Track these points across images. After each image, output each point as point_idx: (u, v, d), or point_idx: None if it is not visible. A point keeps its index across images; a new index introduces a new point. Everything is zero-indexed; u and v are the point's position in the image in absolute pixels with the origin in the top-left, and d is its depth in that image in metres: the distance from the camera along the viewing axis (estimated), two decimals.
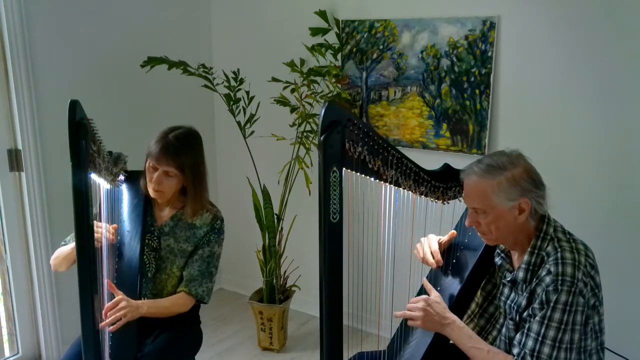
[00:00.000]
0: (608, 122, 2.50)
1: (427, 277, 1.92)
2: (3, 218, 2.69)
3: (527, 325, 1.54)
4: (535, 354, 1.50)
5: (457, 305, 1.78)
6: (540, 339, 1.50)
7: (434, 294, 1.68)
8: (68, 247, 1.99)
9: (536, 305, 1.52)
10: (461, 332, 1.62)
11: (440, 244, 1.89)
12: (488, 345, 1.63)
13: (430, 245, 1.87)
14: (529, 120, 2.67)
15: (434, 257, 1.85)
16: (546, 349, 1.49)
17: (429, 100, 2.90)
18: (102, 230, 1.90)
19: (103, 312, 1.79)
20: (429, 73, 2.87)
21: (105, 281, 1.86)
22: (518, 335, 1.56)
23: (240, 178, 3.23)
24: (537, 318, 1.51)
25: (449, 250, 1.93)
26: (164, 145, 1.95)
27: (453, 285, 1.83)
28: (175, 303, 2.02)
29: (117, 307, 1.81)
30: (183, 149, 1.97)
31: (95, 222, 1.82)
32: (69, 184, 1.58)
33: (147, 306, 1.91)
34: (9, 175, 2.68)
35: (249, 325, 3.33)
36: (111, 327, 1.80)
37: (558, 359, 1.49)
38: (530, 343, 1.51)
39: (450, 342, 1.80)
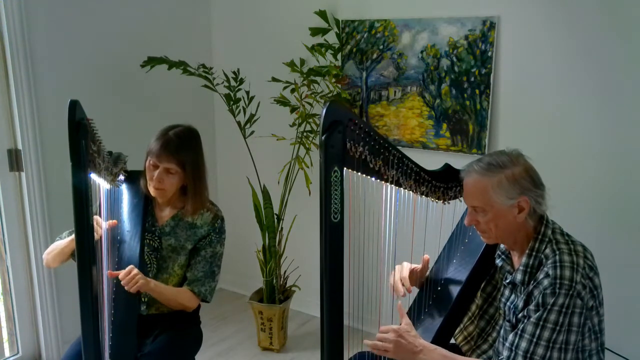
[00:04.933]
0: (608, 122, 2.50)
1: (427, 277, 1.93)
2: (3, 218, 2.69)
3: (520, 327, 1.53)
4: (529, 355, 1.49)
5: (457, 308, 1.78)
6: (534, 340, 1.49)
7: (405, 321, 1.66)
8: (63, 242, 1.99)
9: (532, 307, 1.51)
10: (434, 355, 1.60)
11: (414, 271, 1.89)
12: (464, 358, 1.63)
13: (401, 272, 1.87)
14: (529, 120, 2.67)
15: (403, 285, 1.85)
16: (540, 350, 1.48)
17: (429, 100, 2.90)
18: (102, 225, 1.91)
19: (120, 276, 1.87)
20: (429, 73, 2.87)
21: (105, 280, 1.86)
22: (510, 337, 1.55)
23: (240, 178, 3.23)
24: (532, 319, 1.50)
25: (448, 251, 1.94)
26: (164, 142, 1.95)
27: (453, 287, 1.83)
28: (181, 295, 2.03)
29: (131, 274, 1.86)
30: (183, 145, 1.98)
31: (95, 217, 1.82)
32: (69, 184, 1.58)
33: (154, 283, 1.95)
34: (9, 175, 2.68)
35: (249, 325, 3.33)
36: (126, 286, 1.86)
37: (551, 358, 1.49)
38: (523, 344, 1.50)
39: (451, 342, 1.80)
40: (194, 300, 2.05)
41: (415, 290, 1.95)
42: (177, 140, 1.97)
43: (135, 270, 1.88)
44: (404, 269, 1.89)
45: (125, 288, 1.86)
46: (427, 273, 1.95)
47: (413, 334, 1.63)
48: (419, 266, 1.91)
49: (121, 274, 1.87)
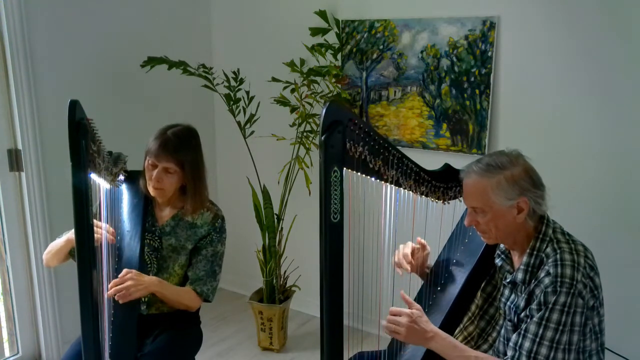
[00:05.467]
0: (608, 121, 2.50)
1: (427, 277, 1.92)
2: (3, 218, 2.69)
3: (523, 326, 1.53)
4: (532, 354, 1.49)
5: (457, 307, 1.78)
6: (537, 339, 1.49)
7: (416, 307, 1.66)
8: (60, 240, 1.99)
9: (534, 306, 1.52)
10: (445, 343, 1.60)
11: (415, 251, 1.90)
12: (475, 352, 1.63)
13: (403, 250, 1.88)
14: (529, 120, 2.67)
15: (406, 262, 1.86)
16: (543, 350, 1.49)
17: (429, 100, 2.90)
18: (102, 230, 1.90)
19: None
20: (429, 73, 2.87)
21: (105, 280, 1.86)
22: (514, 337, 1.55)
23: (240, 178, 3.23)
24: (535, 319, 1.50)
25: (448, 251, 1.94)
26: (162, 141, 1.95)
27: (452, 287, 1.82)
28: (185, 295, 2.03)
29: (123, 279, 1.84)
30: (182, 145, 1.98)
31: (95, 221, 1.82)
32: (69, 184, 1.57)
33: (158, 286, 1.93)
34: (9, 175, 2.68)
35: (249, 325, 3.33)
36: (117, 296, 1.83)
37: (555, 359, 1.49)
38: (527, 344, 1.51)
39: None
40: (196, 301, 2.05)
41: (415, 289, 1.95)
42: (175, 139, 1.97)
43: (129, 275, 1.85)
44: (407, 247, 1.90)
45: (116, 297, 1.84)
46: (429, 262, 1.95)
47: (425, 319, 1.63)
48: (418, 247, 1.92)
49: (113, 282, 1.85)
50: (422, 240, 1.92)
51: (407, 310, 1.64)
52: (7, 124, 2.64)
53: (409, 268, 1.85)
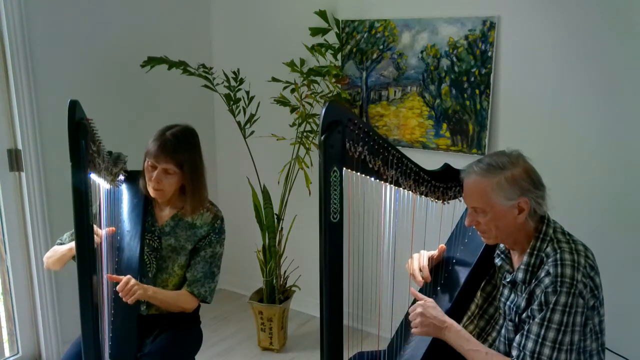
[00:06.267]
0: (608, 121, 2.50)
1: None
2: (3, 218, 2.69)
3: (526, 327, 1.54)
4: (536, 355, 1.50)
5: (457, 306, 1.78)
6: (540, 340, 1.50)
7: (428, 300, 1.68)
8: (64, 248, 1.99)
9: (535, 306, 1.52)
10: (459, 335, 1.62)
11: (431, 258, 1.89)
12: (486, 348, 1.63)
13: (420, 261, 1.87)
14: (529, 120, 2.67)
15: (422, 273, 1.85)
16: (546, 350, 1.49)
17: (429, 100, 2.90)
18: (101, 234, 1.90)
19: (117, 288, 1.85)
20: (429, 73, 2.87)
21: (105, 280, 1.86)
22: (517, 337, 1.56)
23: (240, 178, 3.23)
24: (537, 320, 1.51)
25: (447, 251, 1.94)
26: (161, 143, 1.95)
27: (452, 286, 1.83)
28: (180, 298, 2.03)
29: (129, 285, 1.84)
30: (181, 146, 1.98)
31: (95, 227, 1.82)
32: (69, 184, 1.57)
33: (152, 290, 1.94)
34: (9, 175, 2.68)
35: (249, 325, 3.33)
36: (121, 294, 1.84)
37: (559, 359, 1.49)
38: (530, 345, 1.51)
39: None
40: (192, 302, 2.05)
41: (415, 288, 1.95)
42: (174, 140, 1.96)
43: (133, 281, 1.86)
44: (422, 257, 1.88)
45: (123, 300, 1.84)
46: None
47: (439, 310, 1.65)
48: (435, 253, 1.91)
49: (119, 285, 1.85)
50: (444, 247, 1.92)
51: (420, 302, 1.67)
52: (7, 124, 2.64)
53: (423, 281, 1.84)
